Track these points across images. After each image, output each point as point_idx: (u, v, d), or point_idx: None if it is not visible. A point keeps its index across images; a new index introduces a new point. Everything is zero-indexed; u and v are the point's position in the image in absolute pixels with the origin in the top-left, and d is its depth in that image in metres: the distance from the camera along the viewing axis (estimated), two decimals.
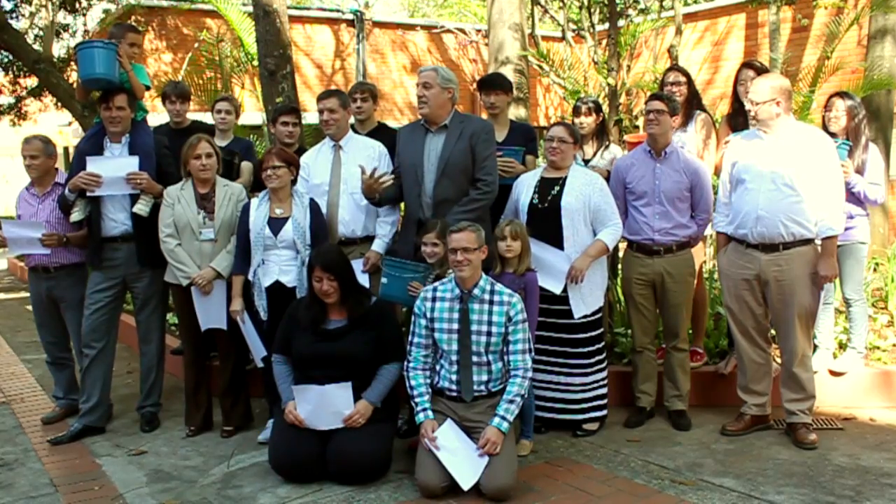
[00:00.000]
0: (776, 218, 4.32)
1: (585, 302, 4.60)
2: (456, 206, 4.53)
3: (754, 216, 4.37)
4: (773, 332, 4.74)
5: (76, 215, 4.87)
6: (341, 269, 4.23)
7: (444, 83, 4.60)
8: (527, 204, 4.64)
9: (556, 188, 4.60)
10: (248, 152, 5.56)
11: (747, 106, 4.40)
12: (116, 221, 4.86)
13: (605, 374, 4.76)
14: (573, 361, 4.63)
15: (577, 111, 5.40)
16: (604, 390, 4.74)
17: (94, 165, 4.76)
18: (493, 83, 5.19)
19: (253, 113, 11.14)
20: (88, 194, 4.79)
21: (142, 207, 4.80)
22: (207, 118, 5.91)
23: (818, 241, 4.38)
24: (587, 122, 5.32)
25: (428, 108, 4.60)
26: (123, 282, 4.98)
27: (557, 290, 4.53)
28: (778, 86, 4.35)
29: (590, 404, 4.68)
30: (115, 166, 4.77)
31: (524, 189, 4.69)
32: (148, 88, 5.22)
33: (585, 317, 4.62)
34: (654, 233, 4.74)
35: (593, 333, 4.68)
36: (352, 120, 5.24)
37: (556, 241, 4.55)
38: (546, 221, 4.57)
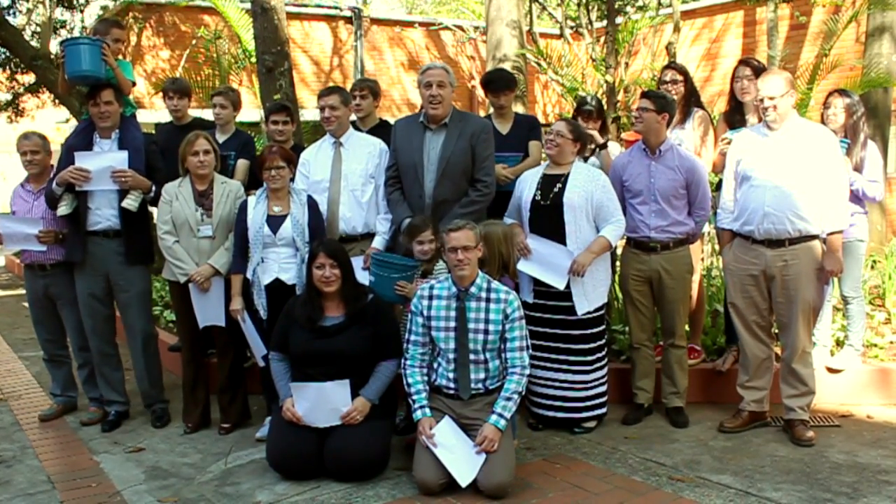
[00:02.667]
0: (783, 214, 4.33)
1: (588, 298, 4.60)
2: (456, 208, 4.53)
3: (761, 213, 4.38)
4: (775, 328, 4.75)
5: (63, 209, 4.85)
6: (344, 258, 4.25)
7: (453, 81, 4.64)
8: (529, 200, 4.64)
9: (559, 185, 4.60)
10: (245, 148, 5.53)
11: (764, 102, 4.37)
12: (102, 216, 4.85)
13: (605, 371, 4.76)
14: (574, 358, 4.63)
15: (587, 115, 5.35)
16: (604, 388, 4.74)
17: (82, 160, 4.75)
18: (501, 84, 5.16)
19: (251, 110, 11.12)
20: (77, 189, 4.79)
21: (131, 202, 4.79)
22: (206, 115, 5.89)
23: (823, 237, 4.40)
24: (595, 126, 5.30)
25: (442, 109, 4.60)
26: (107, 277, 4.97)
27: (560, 285, 4.53)
28: (788, 78, 4.42)
29: (590, 402, 4.68)
30: (104, 161, 4.76)
31: (527, 186, 4.69)
32: (134, 84, 5.21)
33: (588, 313, 4.62)
34: (651, 230, 4.74)
35: (595, 330, 4.68)
36: (353, 117, 5.23)
37: (558, 237, 4.55)
38: (549, 218, 4.57)
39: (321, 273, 4.17)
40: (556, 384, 4.66)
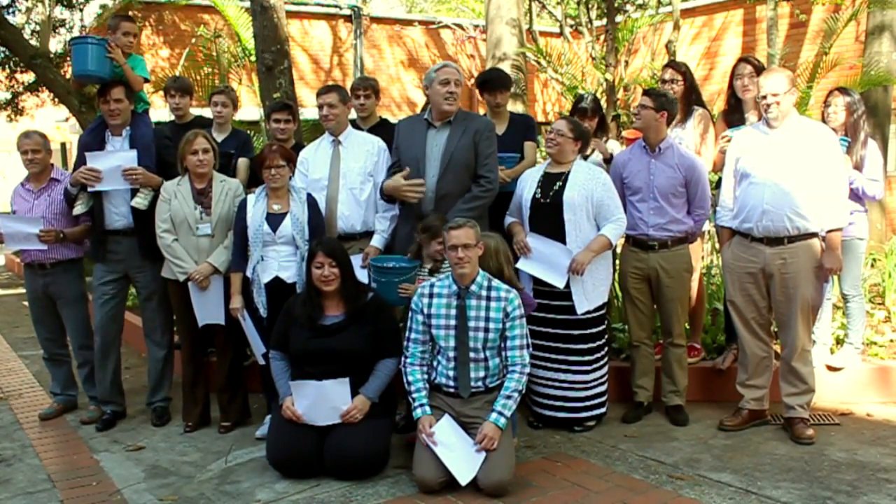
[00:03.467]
0: (782, 212, 4.34)
1: (588, 297, 4.59)
2: (459, 203, 4.52)
3: (760, 210, 4.39)
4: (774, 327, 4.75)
5: (79, 208, 4.89)
6: (343, 256, 4.25)
7: (463, 82, 4.65)
8: (530, 199, 4.64)
9: (559, 183, 4.59)
10: (244, 147, 5.54)
11: (767, 99, 4.36)
12: (119, 214, 4.88)
13: (605, 371, 4.75)
14: (574, 358, 4.62)
15: (582, 113, 5.36)
16: (604, 388, 4.74)
17: (93, 160, 4.77)
18: (498, 83, 5.16)
19: (250, 108, 11.13)
20: (90, 189, 4.80)
21: (140, 201, 4.80)
22: (206, 113, 5.88)
23: (822, 235, 4.40)
24: (593, 124, 5.31)
25: (457, 105, 4.62)
26: (126, 275, 4.99)
27: (560, 284, 4.53)
28: (790, 76, 4.45)
29: (590, 402, 4.68)
30: (114, 161, 4.78)
31: (527, 184, 4.70)
32: (147, 80, 5.21)
33: (588, 313, 4.61)
34: (649, 228, 4.74)
35: (595, 330, 4.67)
36: (353, 115, 5.22)
37: (558, 236, 4.54)
38: (549, 216, 4.57)
39: (320, 272, 4.17)
40: (557, 384, 4.66)
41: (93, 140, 4.92)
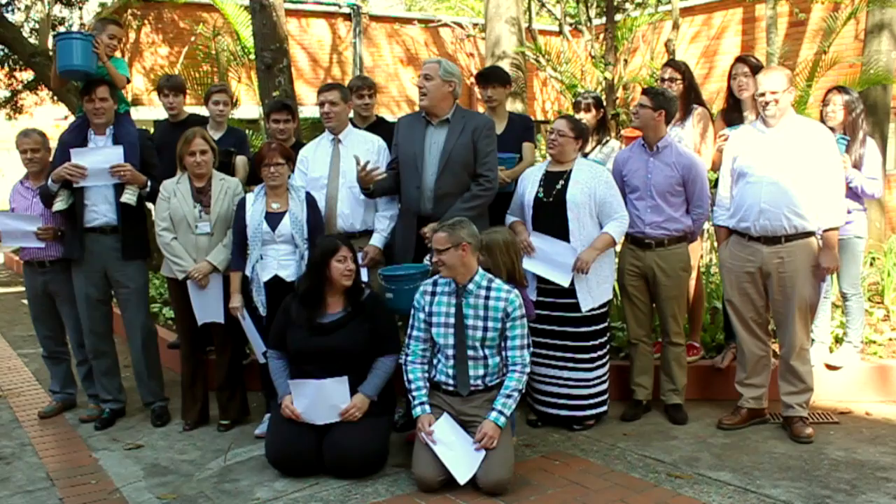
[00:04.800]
0: (779, 211, 4.34)
1: (593, 294, 4.60)
2: (458, 202, 4.52)
3: (757, 209, 4.39)
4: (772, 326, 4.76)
5: (59, 205, 4.85)
6: (355, 253, 4.27)
7: (446, 76, 4.57)
8: (532, 198, 4.64)
9: (561, 182, 4.59)
10: (241, 145, 5.54)
11: (766, 97, 4.36)
12: (98, 213, 4.86)
13: (607, 369, 4.76)
14: (577, 356, 4.62)
15: (577, 106, 5.40)
16: (605, 386, 4.74)
17: (78, 157, 4.76)
18: (490, 77, 5.17)
19: (250, 106, 11.13)
20: (74, 185, 4.79)
21: (129, 197, 4.81)
22: (205, 111, 5.88)
23: (819, 234, 4.40)
24: (587, 117, 5.33)
25: (427, 101, 4.58)
26: (105, 274, 4.98)
27: (565, 283, 4.53)
28: (789, 75, 4.45)
29: (592, 400, 4.68)
30: (101, 157, 4.78)
31: (529, 183, 4.70)
32: (129, 81, 5.21)
33: (592, 310, 4.62)
34: (646, 226, 4.75)
35: (598, 327, 4.68)
36: (350, 114, 5.22)
37: (562, 234, 4.55)
38: (552, 215, 4.57)
39: (344, 266, 4.16)
40: (559, 382, 4.66)
41: (74, 139, 4.90)
